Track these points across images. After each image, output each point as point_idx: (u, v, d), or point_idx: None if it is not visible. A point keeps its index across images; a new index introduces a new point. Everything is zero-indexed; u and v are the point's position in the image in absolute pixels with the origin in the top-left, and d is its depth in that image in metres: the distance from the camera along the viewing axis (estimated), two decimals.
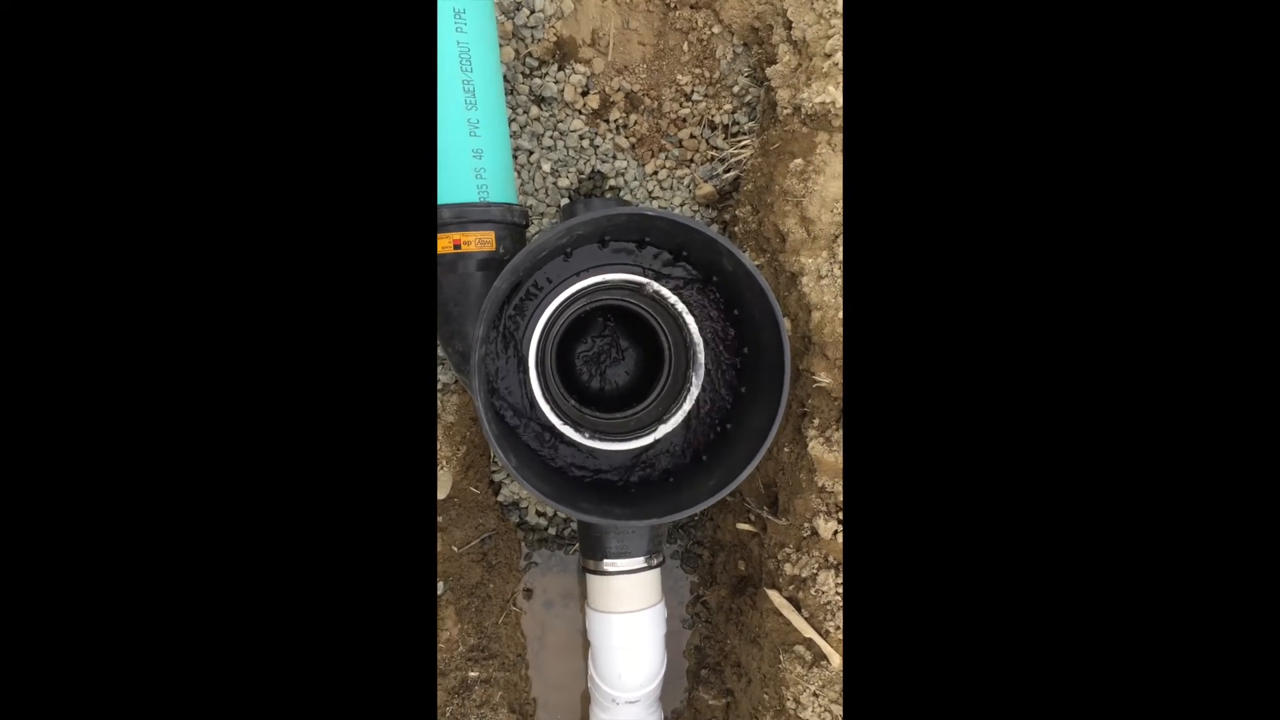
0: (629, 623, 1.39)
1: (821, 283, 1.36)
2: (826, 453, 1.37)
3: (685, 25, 1.64)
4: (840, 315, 1.31)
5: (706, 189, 1.64)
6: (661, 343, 1.37)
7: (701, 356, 1.32)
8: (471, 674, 1.60)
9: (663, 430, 1.30)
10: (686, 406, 1.31)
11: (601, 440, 1.30)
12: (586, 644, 1.67)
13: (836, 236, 1.36)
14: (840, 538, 1.39)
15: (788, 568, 1.47)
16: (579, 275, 1.28)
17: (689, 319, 1.29)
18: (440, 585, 1.51)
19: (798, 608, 1.45)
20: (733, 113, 1.65)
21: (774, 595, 1.48)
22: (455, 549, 1.54)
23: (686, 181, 1.66)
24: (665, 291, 1.28)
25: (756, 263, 1.51)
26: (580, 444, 1.30)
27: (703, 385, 1.32)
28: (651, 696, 1.47)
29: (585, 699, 1.69)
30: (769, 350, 1.22)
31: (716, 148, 1.66)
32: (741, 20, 1.61)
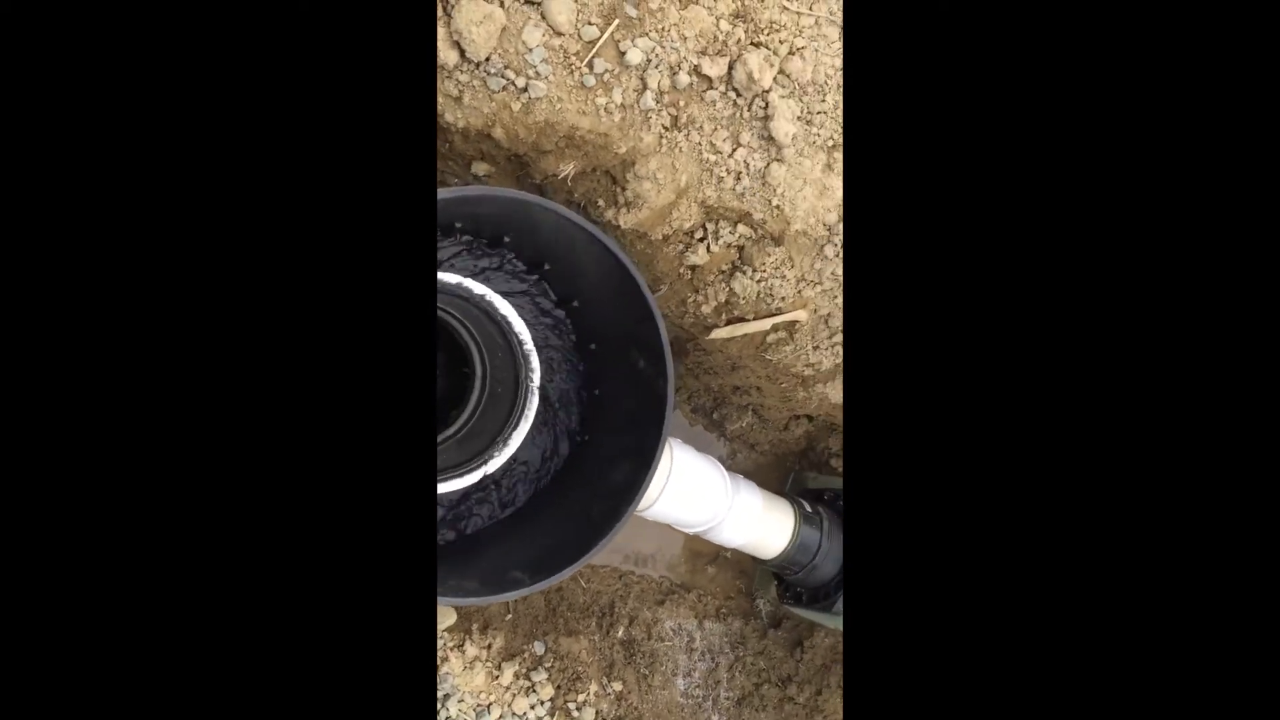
0: (674, 491, 1.32)
1: (496, 93, 1.02)
2: (655, 193, 1.15)
3: None
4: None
5: None
6: (454, 326, 1.09)
7: (515, 319, 1.07)
8: (619, 635, 1.56)
9: (529, 411, 1.11)
10: (535, 380, 1.09)
11: (490, 459, 1.11)
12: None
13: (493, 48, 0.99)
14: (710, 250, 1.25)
15: (705, 308, 1.35)
16: None
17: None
18: (597, 679, 1.41)
19: (743, 319, 1.36)
20: None
21: (720, 332, 1.38)
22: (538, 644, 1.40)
23: None
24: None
25: None
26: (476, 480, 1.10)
27: (534, 335, 1.09)
28: (734, 485, 1.43)
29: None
30: (583, 250, 0.97)
31: None
32: None
